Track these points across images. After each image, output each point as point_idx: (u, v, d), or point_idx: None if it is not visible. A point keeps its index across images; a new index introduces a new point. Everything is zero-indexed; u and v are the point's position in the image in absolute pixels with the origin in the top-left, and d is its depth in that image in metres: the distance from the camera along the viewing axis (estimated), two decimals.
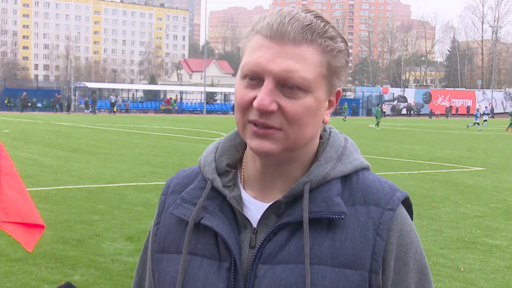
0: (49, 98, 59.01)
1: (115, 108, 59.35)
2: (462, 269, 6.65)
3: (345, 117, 56.23)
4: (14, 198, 3.23)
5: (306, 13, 1.13)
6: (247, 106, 1.12)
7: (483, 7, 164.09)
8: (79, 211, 9.16)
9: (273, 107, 1.09)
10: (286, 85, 1.10)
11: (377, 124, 40.17)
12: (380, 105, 51.09)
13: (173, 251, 1.22)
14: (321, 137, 1.22)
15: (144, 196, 10.65)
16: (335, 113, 67.04)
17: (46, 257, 6.64)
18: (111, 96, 61.96)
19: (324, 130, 1.24)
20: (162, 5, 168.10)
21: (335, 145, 1.21)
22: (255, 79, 1.11)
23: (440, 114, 73.12)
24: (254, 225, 1.17)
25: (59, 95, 57.04)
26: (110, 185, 11.90)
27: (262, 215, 1.17)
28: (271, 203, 1.17)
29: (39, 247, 7.03)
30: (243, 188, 1.21)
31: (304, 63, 1.10)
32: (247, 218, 1.18)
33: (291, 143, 1.13)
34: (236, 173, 1.23)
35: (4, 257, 6.60)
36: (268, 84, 1.09)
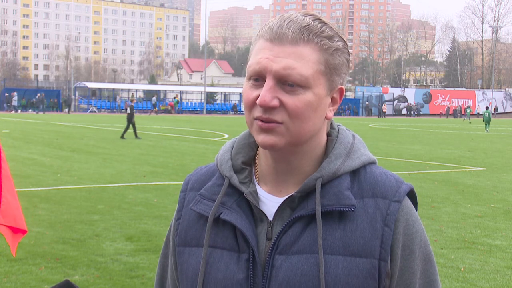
0: (49, 98, 58.99)
1: (161, 106, 60.24)
2: (462, 269, 6.64)
3: (469, 119, 55.76)
4: (10, 201, 3.26)
5: (305, 16, 1.21)
6: (252, 104, 1.20)
7: (483, 7, 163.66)
8: (79, 211, 9.16)
9: (275, 102, 1.17)
10: (286, 83, 1.18)
11: (486, 127, 36.74)
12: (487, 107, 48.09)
13: (194, 245, 1.29)
14: (330, 135, 1.30)
15: (144, 196, 10.66)
16: (337, 113, 67.09)
17: (46, 257, 6.64)
18: (153, 98, 62.38)
19: (333, 127, 1.32)
20: (162, 5, 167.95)
21: (343, 142, 1.28)
22: (258, 79, 1.20)
23: (442, 114, 73.13)
24: (270, 218, 1.25)
25: (7, 94, 56.45)
26: (110, 185, 11.90)
27: (278, 209, 1.24)
28: (285, 197, 1.25)
29: (39, 247, 7.04)
30: (258, 183, 1.29)
31: (302, 61, 1.17)
32: (263, 212, 1.25)
33: (293, 137, 1.20)
34: (251, 170, 1.30)
35: (4, 257, 6.59)
36: (269, 81, 1.17)
